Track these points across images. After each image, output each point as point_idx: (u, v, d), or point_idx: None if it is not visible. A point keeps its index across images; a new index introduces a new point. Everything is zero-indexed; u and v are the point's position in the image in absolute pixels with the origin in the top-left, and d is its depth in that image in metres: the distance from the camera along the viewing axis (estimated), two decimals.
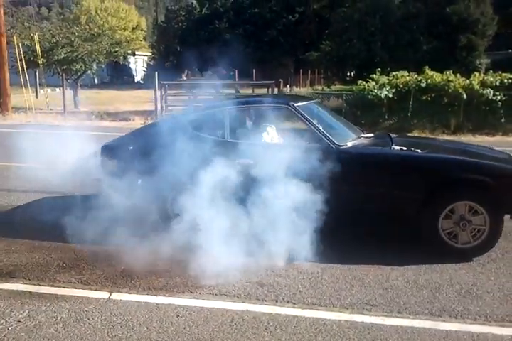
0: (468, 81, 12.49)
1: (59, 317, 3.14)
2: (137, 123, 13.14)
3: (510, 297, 3.41)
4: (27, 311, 3.22)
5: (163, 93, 13.92)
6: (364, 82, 13.31)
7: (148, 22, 54.53)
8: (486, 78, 12.70)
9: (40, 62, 17.12)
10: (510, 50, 27.59)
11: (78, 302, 3.34)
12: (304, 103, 4.79)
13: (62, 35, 17.83)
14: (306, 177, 3.83)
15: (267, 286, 3.57)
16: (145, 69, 43.29)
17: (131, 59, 36.78)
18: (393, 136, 4.96)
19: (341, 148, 4.26)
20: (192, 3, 44.08)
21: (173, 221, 3.96)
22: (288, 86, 23.62)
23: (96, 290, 3.53)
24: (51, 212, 4.58)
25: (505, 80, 12.60)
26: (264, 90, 16.21)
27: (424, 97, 12.82)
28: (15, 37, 16.45)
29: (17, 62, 16.42)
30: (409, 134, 10.79)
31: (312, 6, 37.76)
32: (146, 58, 45.35)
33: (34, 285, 3.61)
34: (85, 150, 5.46)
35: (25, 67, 16.25)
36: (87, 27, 20.25)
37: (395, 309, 3.24)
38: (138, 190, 4.27)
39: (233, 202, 3.86)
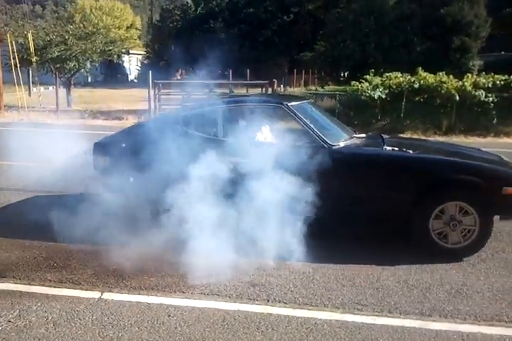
0: (460, 82, 12.58)
1: (50, 317, 3.13)
2: (130, 122, 13.09)
3: (500, 297, 3.44)
4: (17, 311, 3.21)
5: (156, 92, 13.89)
6: (357, 83, 13.37)
7: (143, 21, 54.44)
8: (478, 80, 12.80)
9: (34, 60, 17.02)
10: (503, 52, 27.77)
11: (69, 302, 3.33)
12: (298, 103, 4.80)
13: (56, 34, 17.75)
14: (299, 176, 3.84)
15: (259, 286, 3.58)
16: (139, 68, 43.17)
17: (125, 58, 36.64)
18: (385, 136, 4.99)
19: (334, 148, 4.28)
20: (187, 2, 44.00)
21: (165, 220, 3.96)
22: (282, 86, 23.65)
23: (87, 289, 3.52)
24: (42, 211, 4.56)
25: (498, 82, 12.71)
26: (258, 90, 16.21)
27: (416, 98, 12.91)
28: (8, 35, 16.35)
29: (10, 60, 16.33)
30: (402, 135, 10.86)
31: (307, 6, 37.80)
32: (140, 57, 45.27)
33: (25, 284, 3.60)
34: (77, 148, 5.45)
35: (18, 65, 16.15)
36: (81, 25, 20.17)
37: (385, 309, 3.26)
38: (130, 187, 4.26)
39: (225, 201, 3.86)
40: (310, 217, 3.85)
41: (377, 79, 13.61)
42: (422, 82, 12.78)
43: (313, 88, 27.67)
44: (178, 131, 4.41)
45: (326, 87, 27.10)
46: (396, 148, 4.34)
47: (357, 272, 3.82)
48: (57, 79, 17.17)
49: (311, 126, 4.38)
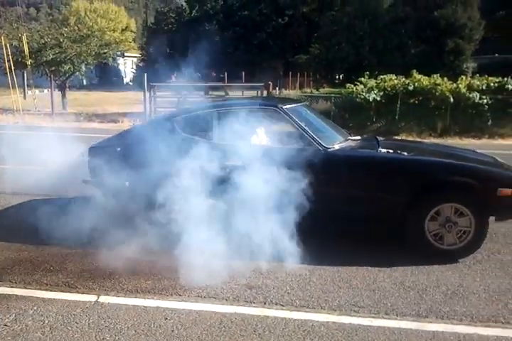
0: (455, 84, 12.66)
1: (46, 321, 3.11)
2: (126, 124, 13.08)
3: (496, 298, 3.45)
4: (14, 315, 3.19)
5: (152, 94, 13.89)
6: (352, 85, 13.43)
7: (138, 23, 54.44)
8: (472, 82, 12.89)
9: (28, 63, 16.98)
10: (496, 54, 27.92)
11: (65, 305, 3.32)
12: (293, 105, 4.81)
13: (50, 36, 17.71)
14: (294, 179, 3.85)
15: (256, 288, 3.58)
16: (134, 71, 43.13)
17: (121, 60, 36.65)
18: (380, 138, 5.01)
19: (329, 150, 4.29)
20: (182, 5, 44.07)
21: (161, 223, 3.96)
22: (277, 88, 23.69)
23: (83, 293, 3.51)
24: (38, 215, 4.54)
25: (492, 84, 12.79)
26: (254, 92, 16.23)
27: (411, 100, 12.97)
28: (3, 37, 16.31)
29: (5, 63, 16.28)
30: (397, 137, 10.90)
31: (301, 9, 37.90)
32: (135, 60, 45.21)
33: (21, 288, 3.58)
34: (73, 151, 5.44)
35: (13, 68, 16.11)
36: (76, 28, 20.13)
37: (382, 310, 3.27)
38: (125, 191, 4.26)
39: (220, 204, 3.86)
40: (306, 219, 3.86)
41: (372, 82, 13.68)
42: (416, 84, 12.84)
43: (309, 90, 27.71)
44: (173, 135, 4.41)
45: (321, 90, 27.15)
46: (391, 150, 4.35)
47: (353, 274, 3.83)
48: (52, 82, 17.13)
49: (306, 128, 4.40)
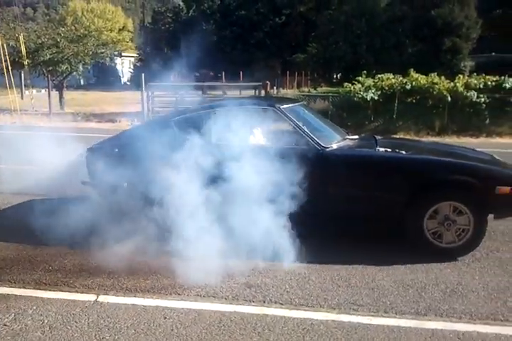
0: (452, 83, 12.68)
1: (45, 321, 3.11)
2: (124, 124, 13.09)
3: (495, 295, 3.46)
4: (13, 314, 3.19)
5: (149, 94, 13.88)
6: (350, 84, 13.43)
7: (135, 23, 54.38)
8: (470, 80, 12.91)
9: (26, 63, 16.94)
10: (493, 53, 27.97)
11: (65, 305, 3.32)
12: (290, 105, 4.81)
13: (47, 36, 17.68)
14: (292, 179, 3.85)
15: (255, 287, 3.58)
16: (131, 71, 43.08)
17: (118, 60, 36.55)
18: (378, 137, 5.02)
19: (327, 149, 4.29)
20: (179, 4, 44.00)
21: (159, 223, 3.95)
22: (275, 88, 23.69)
23: (82, 292, 3.51)
24: (37, 215, 4.54)
25: (489, 83, 12.82)
26: (252, 92, 16.23)
27: (409, 99, 12.99)
28: (0, 37, 16.27)
29: (2, 63, 16.23)
30: (395, 136, 10.90)
31: (299, 8, 37.91)
32: (132, 59, 45.15)
33: (20, 288, 3.58)
34: (71, 151, 5.43)
35: (10, 68, 16.07)
36: (73, 28, 20.11)
37: (381, 309, 3.27)
38: (123, 192, 4.25)
39: (219, 204, 3.86)
40: (305, 218, 3.87)
41: (370, 81, 13.69)
42: (414, 83, 12.87)
43: (306, 90, 27.67)
44: (171, 136, 4.40)
45: (319, 89, 27.11)
46: (389, 149, 4.36)
47: (352, 272, 3.83)
48: (50, 81, 17.10)
49: (304, 128, 4.40)
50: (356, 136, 4.98)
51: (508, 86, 12.60)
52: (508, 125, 12.57)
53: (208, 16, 39.74)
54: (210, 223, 3.81)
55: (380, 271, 3.86)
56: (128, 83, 40.32)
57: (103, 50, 19.56)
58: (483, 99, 12.37)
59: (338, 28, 28.52)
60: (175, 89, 13.56)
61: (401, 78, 13.39)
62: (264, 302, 3.37)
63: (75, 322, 3.10)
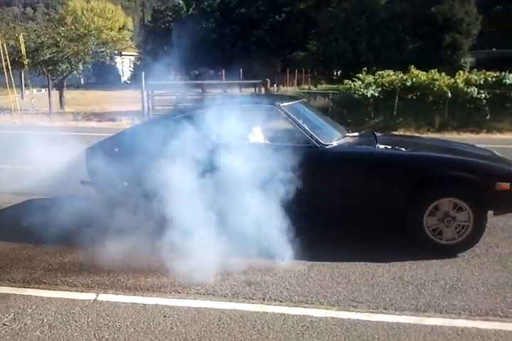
0: (452, 79, 12.65)
1: (45, 320, 3.12)
2: (124, 123, 13.09)
3: (494, 291, 3.46)
4: (12, 314, 3.20)
5: (150, 93, 13.87)
6: (350, 81, 13.41)
7: (135, 22, 54.31)
8: (470, 77, 12.88)
9: (26, 62, 16.94)
10: (494, 49, 27.90)
11: (64, 304, 3.32)
12: (290, 103, 4.81)
13: (47, 36, 17.68)
14: (292, 176, 3.85)
15: (254, 285, 3.58)
16: (132, 70, 43.05)
17: (118, 59, 36.54)
18: (378, 134, 5.01)
19: (327, 147, 4.29)
20: (179, 3, 43.89)
21: (160, 222, 3.95)
22: (275, 85, 23.66)
23: (82, 291, 3.51)
24: (37, 214, 4.54)
25: (489, 78, 12.79)
26: (252, 90, 16.22)
27: (409, 96, 12.97)
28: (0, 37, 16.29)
29: (2, 62, 16.23)
30: (395, 132, 10.89)
31: (299, 5, 37.79)
32: (132, 58, 45.11)
33: (19, 287, 3.58)
34: (71, 151, 5.43)
35: (10, 67, 16.07)
36: (73, 27, 20.09)
37: (380, 305, 3.27)
38: (124, 191, 4.25)
39: (219, 201, 3.86)
40: (305, 215, 3.86)
41: (370, 78, 13.67)
42: (414, 79, 12.84)
43: (307, 87, 27.69)
44: (171, 134, 4.39)
45: (319, 86, 27.12)
46: (389, 146, 4.35)
47: (352, 269, 3.83)
48: (50, 81, 17.10)
49: (304, 126, 4.39)
50: (356, 133, 4.98)
51: (508, 82, 12.56)
52: (508, 121, 12.54)
53: (208, 14, 39.65)
54: (210, 221, 3.81)
55: (379, 267, 3.86)
56: (128, 82, 40.32)
57: (103, 49, 19.58)
58: (483, 95, 12.34)
59: (338, 25, 28.45)
60: (174, 88, 13.56)
61: (401, 75, 13.37)
62: (263, 299, 3.37)
63: (75, 321, 3.10)
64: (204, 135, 4.52)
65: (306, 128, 4.38)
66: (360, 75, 13.82)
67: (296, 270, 3.81)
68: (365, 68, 14.41)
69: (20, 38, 16.55)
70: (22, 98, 19.52)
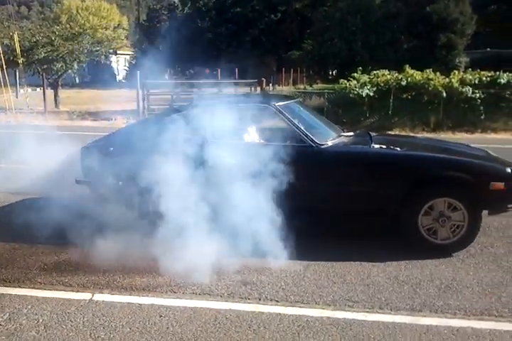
0: (447, 79, 12.70)
1: (40, 320, 3.11)
2: (119, 122, 13.07)
3: (489, 291, 3.48)
4: (7, 314, 3.19)
5: (145, 92, 13.85)
6: (345, 81, 13.43)
7: (130, 21, 54.12)
8: (465, 76, 12.94)
9: (20, 61, 16.86)
10: (488, 49, 27.98)
11: (60, 304, 3.32)
12: (286, 102, 4.81)
13: (42, 35, 17.61)
14: (287, 176, 3.85)
15: (250, 285, 3.58)
16: (127, 69, 42.90)
17: (113, 58, 36.39)
18: (373, 134, 5.02)
19: (322, 147, 4.29)
20: (174, 2, 43.82)
21: (154, 222, 3.95)
22: (271, 85, 23.66)
23: (78, 291, 3.50)
24: (32, 213, 4.53)
25: (484, 78, 12.85)
26: (247, 89, 16.21)
27: (404, 95, 13.01)
28: None
29: None
30: (390, 132, 10.92)
31: (294, 5, 37.79)
32: (128, 57, 44.97)
33: (15, 287, 3.57)
34: (66, 150, 5.42)
35: (4, 66, 15.99)
36: (67, 26, 20.02)
37: (376, 305, 3.28)
38: (118, 191, 4.24)
39: (214, 202, 3.86)
40: (300, 215, 3.87)
41: (365, 77, 13.70)
42: (409, 79, 12.88)
43: (302, 86, 27.67)
44: (166, 134, 4.38)
45: (315, 86, 27.10)
46: (384, 146, 4.36)
47: (347, 269, 3.84)
48: (45, 80, 17.04)
49: (299, 125, 4.40)
50: (351, 133, 4.99)
51: (502, 81, 12.63)
52: (502, 120, 12.60)
53: (203, 13, 39.58)
54: (206, 221, 3.81)
55: (374, 267, 3.87)
56: (123, 81, 40.19)
57: (98, 48, 19.52)
58: (478, 95, 12.39)
59: (334, 24, 28.44)
60: (170, 87, 13.54)
61: (396, 74, 13.41)
62: (259, 299, 3.37)
63: (70, 321, 3.09)
64: (199, 134, 4.52)
65: (301, 127, 4.39)
66: (355, 75, 13.85)
67: (292, 270, 3.81)
68: (360, 68, 14.44)
69: (15, 36, 16.46)
70: (17, 97, 19.42)
